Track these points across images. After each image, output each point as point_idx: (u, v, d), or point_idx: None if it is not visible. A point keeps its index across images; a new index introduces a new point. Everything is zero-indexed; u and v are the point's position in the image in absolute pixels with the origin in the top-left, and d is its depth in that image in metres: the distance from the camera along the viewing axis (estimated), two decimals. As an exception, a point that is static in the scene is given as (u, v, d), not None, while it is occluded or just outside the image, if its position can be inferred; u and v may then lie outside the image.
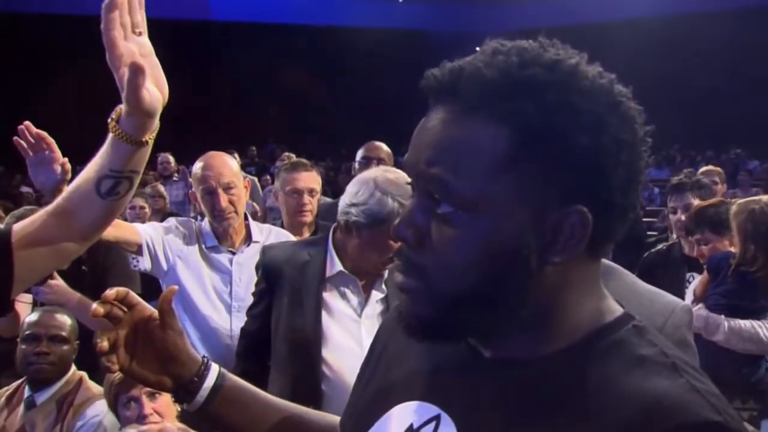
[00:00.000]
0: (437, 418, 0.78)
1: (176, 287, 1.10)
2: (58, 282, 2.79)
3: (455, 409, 0.78)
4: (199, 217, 2.86)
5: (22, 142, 2.03)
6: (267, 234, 2.81)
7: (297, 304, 2.05)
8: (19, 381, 2.65)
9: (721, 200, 3.25)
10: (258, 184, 7.96)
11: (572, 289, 0.76)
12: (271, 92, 17.57)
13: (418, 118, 0.78)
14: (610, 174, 0.71)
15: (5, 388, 2.68)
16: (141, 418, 2.13)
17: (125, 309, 1.04)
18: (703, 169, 4.43)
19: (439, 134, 0.73)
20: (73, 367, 2.64)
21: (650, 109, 0.76)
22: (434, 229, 0.74)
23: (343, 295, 2.08)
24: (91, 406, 2.51)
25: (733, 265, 2.85)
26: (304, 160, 3.50)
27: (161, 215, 5.40)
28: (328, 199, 4.18)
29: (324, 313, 2.05)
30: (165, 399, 2.16)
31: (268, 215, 6.40)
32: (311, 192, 3.21)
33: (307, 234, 3.15)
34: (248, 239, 2.76)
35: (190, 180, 2.90)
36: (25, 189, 11.02)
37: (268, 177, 9.35)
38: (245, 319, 2.28)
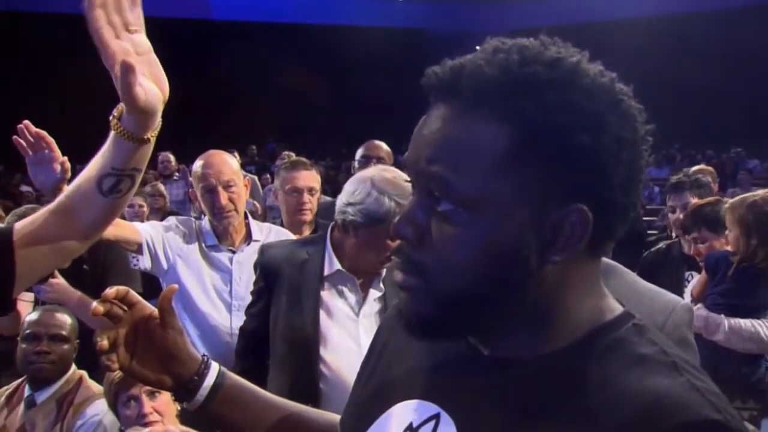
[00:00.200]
0: (437, 416, 0.78)
1: (176, 286, 1.10)
2: (59, 281, 2.79)
3: (455, 408, 0.78)
4: (202, 216, 2.85)
5: (22, 141, 2.03)
6: (267, 233, 2.81)
7: (295, 302, 2.06)
8: (20, 380, 2.66)
9: (717, 198, 3.24)
10: (258, 183, 7.96)
11: (572, 288, 0.76)
12: (271, 91, 17.56)
13: (418, 117, 0.78)
14: (611, 173, 0.71)
15: (5, 387, 2.69)
16: (141, 417, 2.13)
17: (125, 308, 1.04)
18: (695, 168, 4.42)
19: (440, 132, 0.73)
20: (73, 366, 2.64)
21: (650, 107, 0.75)
22: (434, 227, 0.73)
23: (341, 294, 2.08)
24: (91, 405, 2.52)
25: (735, 262, 2.84)
26: (303, 159, 3.50)
27: (161, 214, 5.40)
28: (328, 198, 4.18)
29: (322, 312, 2.05)
30: (165, 398, 2.16)
31: (267, 214, 6.39)
32: (311, 191, 3.22)
33: (307, 233, 3.15)
34: (248, 238, 2.76)
35: (191, 179, 2.90)
36: (25, 188, 11.02)
37: (268, 176, 9.34)
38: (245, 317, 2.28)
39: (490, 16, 19.73)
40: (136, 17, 1.12)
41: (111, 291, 1.02)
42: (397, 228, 0.76)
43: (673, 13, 18.21)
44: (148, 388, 2.09)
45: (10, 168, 12.67)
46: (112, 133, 1.15)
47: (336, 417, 1.04)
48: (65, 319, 2.65)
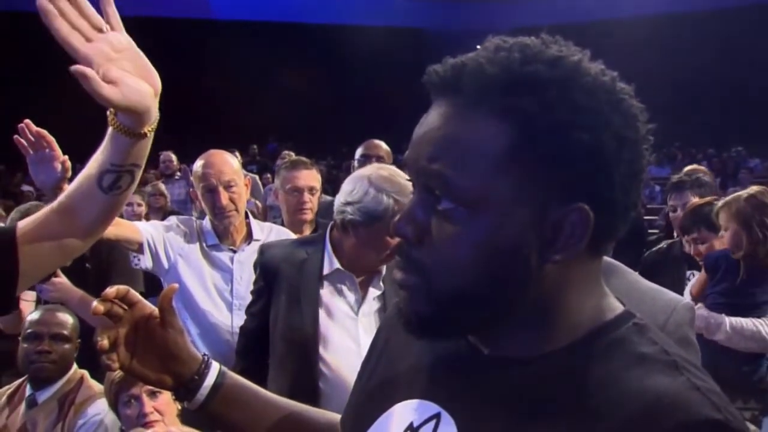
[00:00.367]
0: (437, 416, 0.78)
1: (176, 285, 1.10)
2: (62, 279, 2.79)
3: (455, 408, 0.78)
4: (203, 216, 2.86)
5: (22, 140, 2.03)
6: (268, 232, 2.81)
7: (295, 302, 2.06)
8: (21, 379, 2.66)
9: (715, 198, 3.23)
10: (259, 182, 7.96)
11: (573, 287, 0.75)
12: (272, 90, 17.57)
13: (418, 116, 0.77)
14: (612, 172, 0.70)
15: (6, 387, 2.69)
16: (141, 417, 2.13)
17: (125, 307, 1.04)
18: (688, 168, 4.41)
19: (441, 130, 0.73)
20: (75, 366, 2.64)
21: (651, 106, 0.75)
22: (435, 225, 0.73)
23: (341, 293, 2.08)
24: (92, 404, 2.52)
25: (740, 258, 2.82)
26: (304, 159, 3.50)
27: (162, 214, 5.40)
28: (329, 197, 4.18)
29: (321, 312, 2.05)
30: (165, 397, 2.16)
31: (268, 213, 6.39)
32: (311, 190, 3.22)
33: (307, 232, 3.15)
34: (249, 237, 2.76)
35: (192, 178, 2.90)
36: (26, 187, 11.02)
37: (269, 175, 9.34)
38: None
39: (490, 15, 19.72)
40: (110, 16, 1.11)
41: (111, 290, 1.02)
42: (397, 227, 0.76)
43: (675, 11, 18.21)
44: (148, 387, 2.09)
45: (11, 167, 12.68)
46: (110, 129, 1.15)
47: (336, 416, 1.04)
48: (66, 318, 2.65)
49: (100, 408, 2.48)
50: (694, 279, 3.16)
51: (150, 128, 1.15)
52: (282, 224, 3.17)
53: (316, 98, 18.44)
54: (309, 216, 3.22)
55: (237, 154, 5.28)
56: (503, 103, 0.70)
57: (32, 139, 2.04)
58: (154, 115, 1.15)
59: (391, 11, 21.33)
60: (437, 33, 19.89)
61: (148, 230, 2.66)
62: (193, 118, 14.70)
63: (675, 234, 3.67)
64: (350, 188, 1.98)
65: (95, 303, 1.01)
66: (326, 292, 2.07)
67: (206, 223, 2.76)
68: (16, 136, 2.02)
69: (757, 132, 15.22)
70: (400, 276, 0.77)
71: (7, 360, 3.07)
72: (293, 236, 2.80)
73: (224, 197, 2.66)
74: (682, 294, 2.96)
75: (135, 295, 1.04)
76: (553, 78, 0.70)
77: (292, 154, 7.08)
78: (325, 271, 2.07)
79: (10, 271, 1.20)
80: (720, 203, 2.93)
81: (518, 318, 0.75)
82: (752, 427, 2.65)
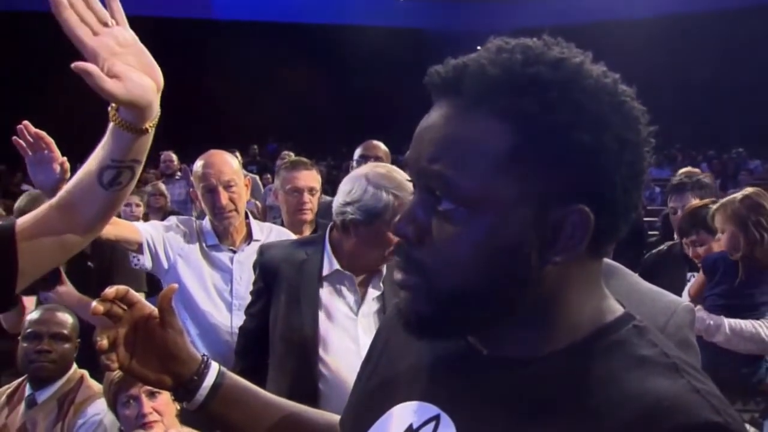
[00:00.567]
0: (437, 418, 0.78)
1: (176, 285, 1.10)
2: (67, 289, 2.79)
3: (455, 409, 0.78)
4: (203, 216, 2.86)
5: (21, 141, 2.03)
6: (268, 232, 2.81)
7: (294, 303, 2.06)
8: (20, 379, 2.66)
9: (712, 200, 3.23)
10: (259, 183, 7.96)
11: (573, 289, 0.75)
12: (272, 91, 17.57)
13: (418, 117, 0.77)
14: (613, 173, 0.70)
15: (6, 387, 2.69)
16: (140, 417, 2.13)
17: (125, 307, 1.04)
18: (682, 170, 4.41)
19: (442, 131, 0.73)
20: (74, 366, 2.64)
21: (652, 107, 0.75)
22: (435, 226, 0.73)
23: (340, 294, 2.08)
24: (92, 404, 2.52)
25: (739, 260, 2.82)
26: (304, 159, 3.51)
27: (162, 214, 5.39)
28: (329, 198, 4.18)
29: (321, 313, 2.05)
30: (164, 398, 2.16)
31: (267, 214, 6.39)
32: (311, 190, 3.22)
33: (307, 233, 3.15)
34: (249, 238, 2.76)
35: (192, 179, 2.90)
36: (25, 187, 11.01)
37: (269, 175, 9.34)
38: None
39: (491, 15, 19.72)
40: (115, 11, 1.12)
41: (111, 290, 1.02)
42: (398, 227, 0.76)
43: (675, 13, 18.21)
44: (147, 388, 2.09)
45: (11, 167, 12.66)
46: (111, 125, 1.15)
47: (336, 417, 1.04)
48: (66, 318, 2.65)
49: (99, 408, 2.48)
50: (693, 280, 3.16)
51: (151, 124, 1.15)
52: (282, 225, 3.17)
53: (316, 98, 18.43)
54: (309, 216, 3.22)
55: (237, 154, 5.27)
56: (504, 104, 0.70)
57: (31, 140, 2.04)
58: (156, 110, 1.15)
59: (392, 12, 21.35)
60: (437, 33, 19.90)
61: (147, 230, 2.66)
62: (193, 118, 14.70)
63: (675, 236, 3.67)
64: (348, 188, 1.98)
65: (95, 303, 1.01)
66: (326, 293, 2.07)
67: (206, 223, 2.76)
68: (14, 137, 2.02)
69: (757, 133, 15.23)
70: (401, 276, 0.77)
71: (6, 359, 3.07)
72: (293, 237, 2.80)
73: (224, 197, 2.66)
74: (681, 296, 2.96)
75: (134, 295, 1.04)
76: (554, 79, 0.70)
77: (292, 154, 7.08)
78: (325, 272, 2.07)
79: (9, 268, 1.20)
80: (715, 206, 2.93)
81: (518, 318, 0.75)
82: (752, 429, 2.65)
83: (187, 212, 6.01)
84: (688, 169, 4.68)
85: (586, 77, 0.71)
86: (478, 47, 0.75)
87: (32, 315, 2.67)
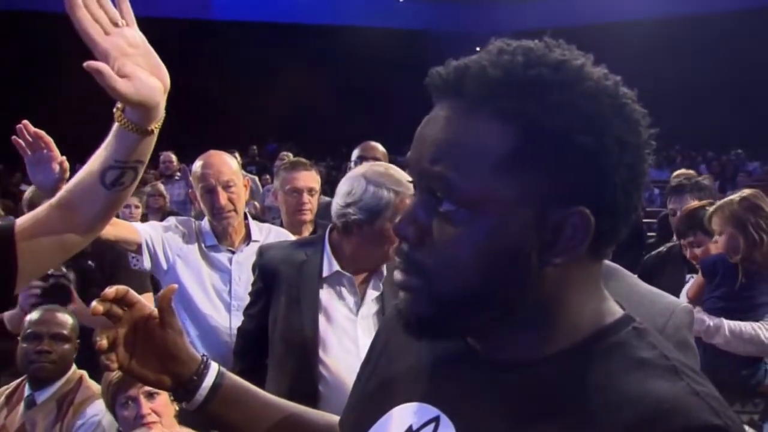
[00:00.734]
0: (437, 419, 0.78)
1: (175, 286, 1.10)
2: (79, 307, 2.78)
3: (454, 410, 0.78)
4: (202, 217, 2.85)
5: (21, 141, 2.03)
6: (267, 233, 2.81)
7: (294, 304, 2.06)
8: (20, 379, 2.65)
9: (710, 202, 3.22)
10: (258, 183, 7.95)
11: (573, 290, 0.75)
12: (272, 91, 17.56)
13: (420, 118, 0.78)
14: (613, 175, 0.71)
15: (5, 387, 2.68)
16: (139, 418, 2.13)
17: (125, 307, 1.04)
18: (678, 172, 4.41)
19: (443, 132, 0.73)
20: (74, 366, 2.64)
21: (651, 109, 0.75)
22: (436, 227, 0.73)
23: (340, 295, 2.08)
24: (91, 405, 2.52)
25: (738, 262, 2.81)
26: (303, 160, 3.51)
27: (161, 214, 5.39)
28: (328, 198, 4.18)
29: (321, 313, 2.05)
30: (163, 399, 2.16)
31: (267, 214, 6.39)
32: (311, 191, 3.22)
33: (306, 233, 3.15)
34: (248, 238, 2.76)
35: (191, 179, 2.90)
36: (24, 187, 11.00)
37: (268, 176, 9.33)
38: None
39: (492, 17, 19.73)
40: (125, 12, 1.12)
41: (110, 291, 1.02)
42: (399, 228, 0.76)
43: (675, 15, 18.21)
44: (146, 389, 2.09)
45: (10, 167, 12.65)
46: (115, 126, 1.15)
47: (335, 418, 1.04)
48: (66, 318, 2.65)
49: (98, 408, 2.48)
50: (691, 282, 3.15)
51: (157, 125, 1.16)
52: (281, 225, 3.17)
53: (316, 99, 18.41)
54: (308, 217, 3.22)
55: (236, 154, 5.27)
56: (505, 106, 0.70)
57: (30, 139, 2.03)
58: (162, 111, 1.15)
59: (392, 13, 21.34)
60: (438, 35, 19.89)
61: (146, 231, 2.65)
62: (192, 119, 14.68)
63: (674, 237, 3.67)
64: (348, 189, 1.98)
65: (94, 303, 1.01)
66: (325, 294, 2.07)
67: (205, 223, 2.76)
68: (14, 137, 2.02)
69: (757, 135, 15.23)
70: (401, 277, 0.77)
71: (6, 359, 3.07)
72: (292, 237, 2.80)
73: (223, 197, 2.66)
74: (680, 297, 2.95)
75: (134, 295, 1.04)
76: (556, 81, 0.70)
77: (291, 155, 7.08)
78: (325, 273, 2.07)
79: (8, 268, 1.20)
80: (712, 208, 2.92)
81: (518, 320, 0.75)
82: (751, 431, 2.65)
83: (187, 213, 5.99)
84: (683, 170, 4.69)
85: (587, 79, 0.72)
86: (479, 48, 0.75)
87: (32, 315, 2.67)
